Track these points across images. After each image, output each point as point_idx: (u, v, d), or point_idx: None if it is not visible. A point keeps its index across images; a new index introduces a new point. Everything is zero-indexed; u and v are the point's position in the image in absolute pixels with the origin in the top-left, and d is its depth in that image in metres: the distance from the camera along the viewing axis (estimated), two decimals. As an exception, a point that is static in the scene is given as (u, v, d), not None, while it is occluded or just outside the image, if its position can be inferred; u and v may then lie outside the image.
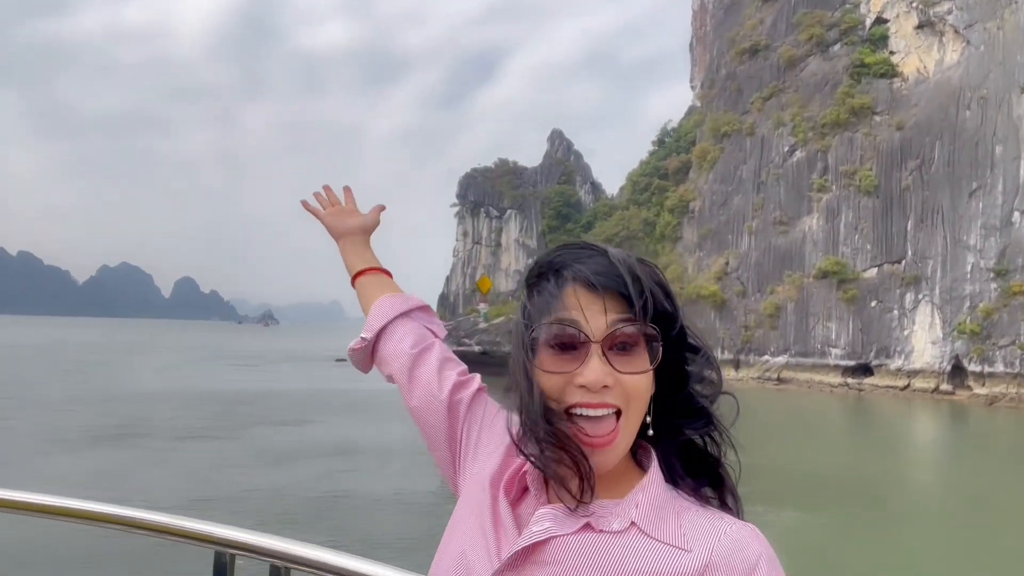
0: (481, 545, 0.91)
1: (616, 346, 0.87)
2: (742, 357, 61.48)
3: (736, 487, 0.96)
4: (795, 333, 59.03)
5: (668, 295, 0.92)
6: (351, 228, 1.46)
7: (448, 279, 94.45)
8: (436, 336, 1.27)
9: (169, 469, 19.95)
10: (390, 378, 1.23)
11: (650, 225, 76.09)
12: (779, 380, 58.20)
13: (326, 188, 1.55)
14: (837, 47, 65.83)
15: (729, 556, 0.82)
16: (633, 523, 0.86)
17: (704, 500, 0.93)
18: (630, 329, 0.87)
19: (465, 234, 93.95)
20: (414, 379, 1.17)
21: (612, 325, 0.87)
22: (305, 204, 1.51)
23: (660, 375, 0.91)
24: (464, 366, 1.20)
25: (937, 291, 53.92)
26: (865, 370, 56.34)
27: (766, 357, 59.93)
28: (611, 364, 0.87)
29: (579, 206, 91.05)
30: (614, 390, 0.87)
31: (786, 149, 63.84)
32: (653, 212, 76.84)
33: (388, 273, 1.43)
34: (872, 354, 55.92)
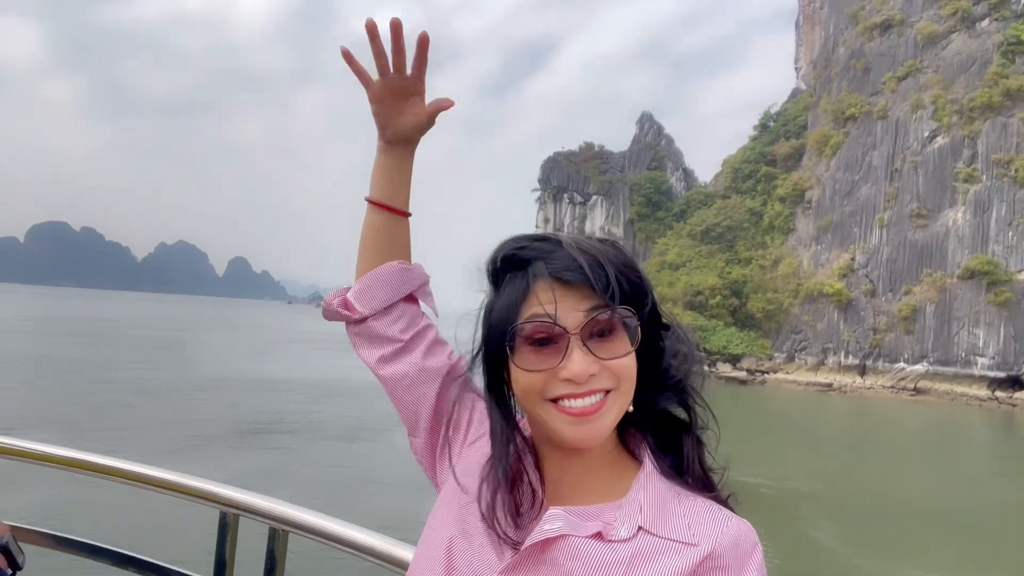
0: (475, 537, 0.91)
1: (595, 334, 0.88)
2: (869, 363, 55.95)
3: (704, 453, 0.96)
4: (934, 339, 53.25)
5: (637, 273, 0.91)
6: (403, 133, 1.16)
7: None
8: (427, 316, 1.18)
9: (347, 475, 16.61)
10: (365, 358, 1.13)
11: (756, 215, 70.63)
12: (916, 390, 52.55)
13: (395, 22, 1.08)
14: (985, 23, 59.24)
15: (730, 547, 0.85)
16: (641, 528, 0.87)
17: (692, 484, 0.93)
18: (606, 315, 0.87)
19: (547, 220, 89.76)
20: (398, 361, 1.10)
21: (588, 314, 0.87)
22: (347, 55, 1.12)
23: (637, 353, 0.91)
24: (451, 348, 1.14)
25: (1112, 297, 47.68)
26: (1015, 383, 50.38)
27: (900, 364, 54.30)
28: (593, 353, 0.87)
29: (670, 193, 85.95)
30: (601, 376, 0.87)
31: (926, 134, 57.69)
32: (759, 201, 71.33)
33: (407, 215, 1.21)
34: (1026, 365, 49.98)
